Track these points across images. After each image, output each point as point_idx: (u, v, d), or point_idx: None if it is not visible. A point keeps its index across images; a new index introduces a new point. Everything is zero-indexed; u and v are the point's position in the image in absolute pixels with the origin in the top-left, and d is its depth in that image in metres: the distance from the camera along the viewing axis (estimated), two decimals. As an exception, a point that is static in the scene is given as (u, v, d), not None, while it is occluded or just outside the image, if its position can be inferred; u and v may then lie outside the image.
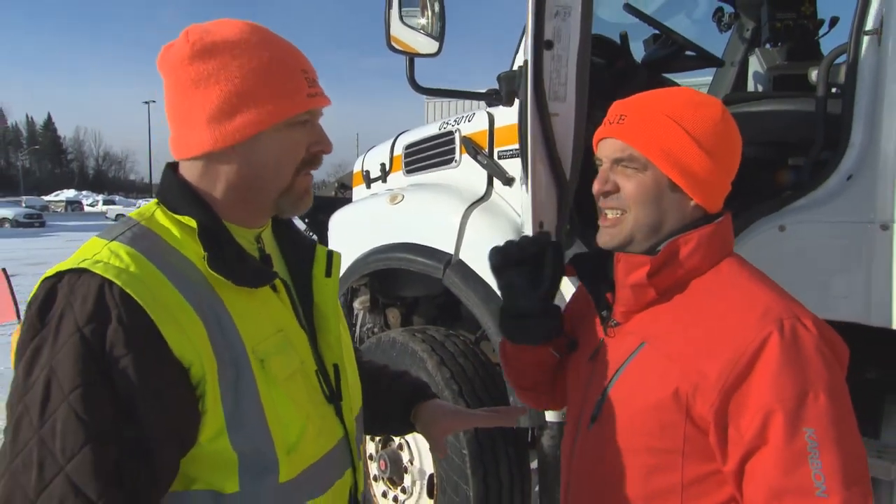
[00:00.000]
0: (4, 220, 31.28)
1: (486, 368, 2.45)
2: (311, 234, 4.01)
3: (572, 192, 1.82)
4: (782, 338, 0.90)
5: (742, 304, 0.98)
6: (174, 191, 0.94)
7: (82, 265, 0.81)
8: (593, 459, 1.12)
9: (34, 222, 31.33)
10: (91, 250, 0.85)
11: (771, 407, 0.88)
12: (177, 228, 0.91)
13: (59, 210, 50.63)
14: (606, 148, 1.11)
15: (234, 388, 0.85)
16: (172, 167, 0.98)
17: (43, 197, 54.96)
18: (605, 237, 1.12)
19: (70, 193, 61.14)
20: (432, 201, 2.61)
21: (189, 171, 0.95)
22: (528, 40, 1.67)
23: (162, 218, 0.92)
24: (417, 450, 2.52)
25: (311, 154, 0.97)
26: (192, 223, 0.90)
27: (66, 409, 0.75)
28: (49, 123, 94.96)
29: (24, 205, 38.26)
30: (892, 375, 1.96)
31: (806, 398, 0.88)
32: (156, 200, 0.96)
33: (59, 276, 0.82)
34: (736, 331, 0.94)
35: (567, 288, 1.91)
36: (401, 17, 2.06)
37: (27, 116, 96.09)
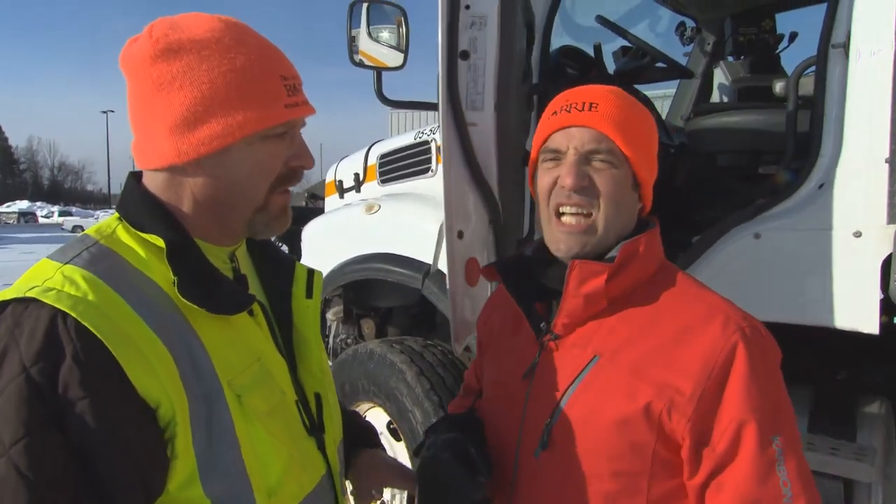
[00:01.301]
0: (-48, 232, 30.00)
1: (465, 379, 2.43)
2: (281, 244, 3.94)
3: (520, 199, 1.84)
4: (747, 346, 0.89)
5: (699, 312, 0.94)
6: (138, 205, 0.84)
7: (30, 293, 0.71)
8: (545, 492, 0.99)
9: (-16, 235, 30.12)
10: (41, 275, 0.74)
11: (743, 417, 0.86)
12: (141, 248, 0.81)
13: (11, 222, 48.76)
14: (575, 137, 0.98)
15: (207, 428, 0.76)
16: (136, 177, 0.88)
17: (-7, 208, 52.91)
18: (571, 244, 0.99)
19: (23, 204, 58.88)
20: (409, 211, 2.59)
21: (153, 183, 0.86)
22: (440, 51, 1.68)
23: (124, 236, 0.82)
24: (396, 463, 2.48)
25: (290, 169, 0.88)
26: (160, 242, 0.80)
27: (5, 466, 0.66)
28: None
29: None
30: (862, 377, 2.02)
31: (772, 406, 0.88)
32: (116, 215, 0.85)
33: (2, 306, 0.71)
34: (701, 341, 0.90)
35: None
36: (369, 33, 2.08)
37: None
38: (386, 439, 2.53)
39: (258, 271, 1.00)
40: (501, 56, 1.77)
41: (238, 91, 0.80)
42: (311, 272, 1.01)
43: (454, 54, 1.70)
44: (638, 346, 0.94)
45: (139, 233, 0.82)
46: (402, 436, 2.43)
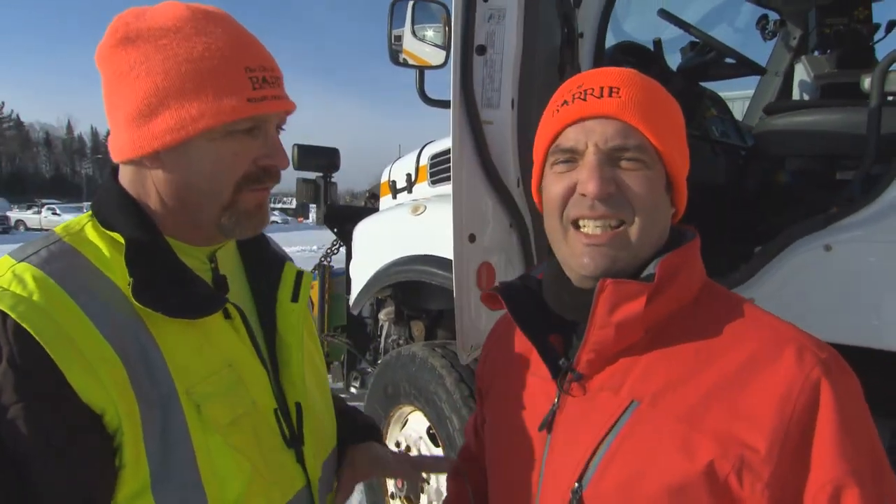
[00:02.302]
0: (66, 224, 33.04)
1: (506, 388, 2.35)
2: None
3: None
4: (832, 383, 0.70)
5: (762, 341, 0.74)
6: (108, 200, 0.81)
7: None
8: None
9: (92, 227, 32.83)
10: None
11: (841, 480, 0.67)
12: (107, 246, 0.77)
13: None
14: (595, 132, 0.78)
15: (162, 438, 0.72)
16: (114, 172, 0.85)
17: (102, 203, 57.58)
18: (598, 259, 0.79)
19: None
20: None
21: (124, 178, 0.83)
22: (454, 46, 1.59)
23: (91, 233, 0.79)
24: (435, 469, 2.44)
25: (259, 168, 0.81)
26: (122, 240, 0.77)
27: None
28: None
29: (84, 210, 40.29)
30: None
31: (872, 461, 0.70)
32: (89, 212, 0.82)
33: None
34: (771, 378, 0.71)
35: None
36: (413, 32, 2.04)
37: (91, 127, 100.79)
38: (425, 444, 2.49)
39: (247, 273, 0.96)
40: (524, 51, 1.68)
41: (193, 82, 0.75)
42: (299, 274, 0.96)
43: (469, 49, 1.63)
44: (687, 388, 0.74)
45: (106, 230, 0.79)
46: (440, 442, 2.38)
